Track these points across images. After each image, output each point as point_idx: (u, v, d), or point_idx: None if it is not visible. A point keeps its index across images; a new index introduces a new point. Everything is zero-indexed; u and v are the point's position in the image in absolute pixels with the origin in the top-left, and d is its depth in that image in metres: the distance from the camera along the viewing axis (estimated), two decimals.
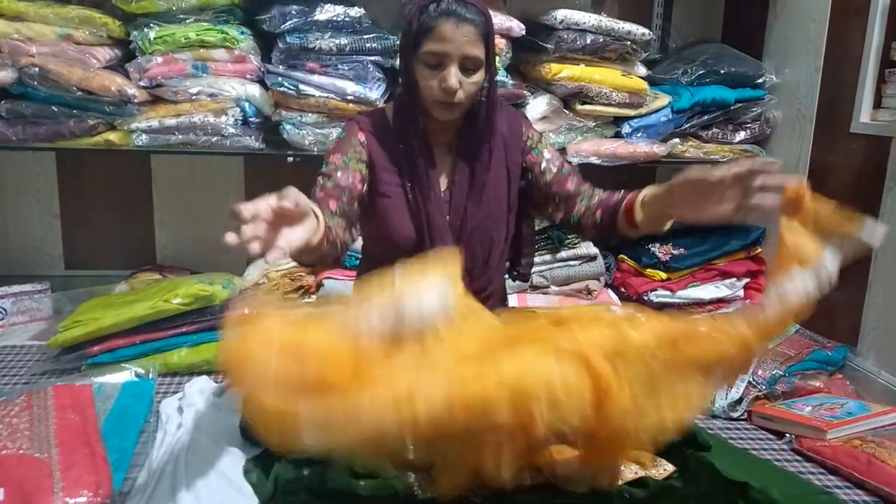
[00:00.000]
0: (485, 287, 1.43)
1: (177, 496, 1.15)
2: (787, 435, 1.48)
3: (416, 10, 1.27)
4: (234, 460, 1.27)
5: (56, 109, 1.83)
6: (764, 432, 1.52)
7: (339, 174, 1.31)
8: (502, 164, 1.41)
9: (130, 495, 1.16)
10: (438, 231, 1.36)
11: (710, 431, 1.48)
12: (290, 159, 1.94)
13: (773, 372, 1.66)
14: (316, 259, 1.18)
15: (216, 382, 1.61)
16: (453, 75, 1.25)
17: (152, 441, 1.34)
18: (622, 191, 1.32)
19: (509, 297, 1.72)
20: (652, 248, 2.23)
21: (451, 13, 1.24)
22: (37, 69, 1.78)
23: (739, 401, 1.60)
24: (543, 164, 1.43)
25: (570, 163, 1.53)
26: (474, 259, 1.39)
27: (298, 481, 1.15)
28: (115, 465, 1.20)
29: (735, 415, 1.58)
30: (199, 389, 1.54)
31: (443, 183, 1.40)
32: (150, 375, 1.57)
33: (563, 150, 2.06)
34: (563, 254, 2.14)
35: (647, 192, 1.23)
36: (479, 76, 1.29)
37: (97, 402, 1.39)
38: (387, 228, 1.38)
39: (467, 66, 1.27)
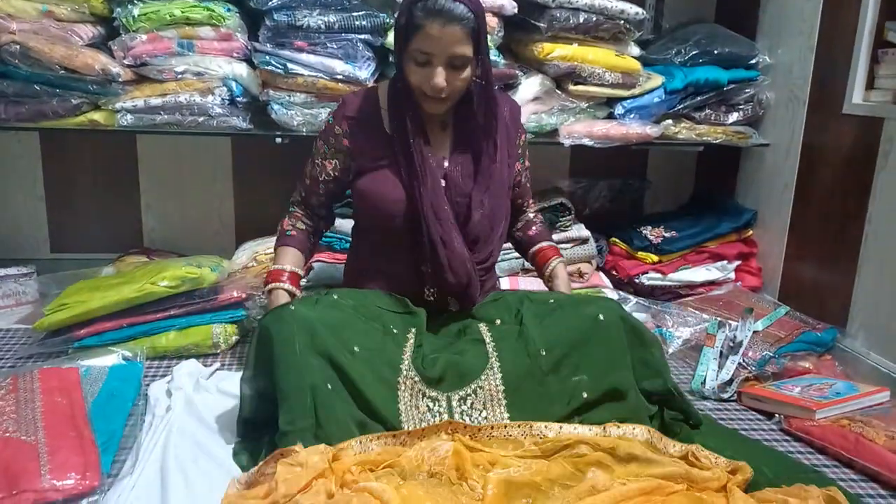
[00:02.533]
0: (486, 258, 1.50)
1: (166, 479, 1.14)
2: (777, 415, 1.49)
3: (407, 5, 1.30)
4: (223, 443, 1.27)
5: (39, 88, 1.79)
6: (753, 413, 1.53)
7: (317, 170, 1.51)
8: (504, 149, 1.48)
9: (119, 478, 1.15)
10: (433, 195, 1.39)
11: (700, 412, 1.48)
12: (279, 140, 1.91)
13: (764, 353, 1.67)
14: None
15: (204, 366, 1.59)
16: (439, 74, 1.30)
17: (140, 424, 1.33)
18: (535, 231, 1.66)
19: (501, 279, 1.72)
20: (643, 231, 2.23)
21: (438, 13, 1.26)
22: (18, 47, 1.74)
23: (729, 382, 1.60)
24: (519, 177, 1.58)
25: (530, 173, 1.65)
26: (482, 232, 1.45)
27: None
28: (103, 448, 1.19)
29: (725, 396, 1.58)
30: (188, 372, 1.52)
31: (440, 159, 1.45)
32: (138, 359, 1.55)
33: (554, 132, 2.04)
34: (555, 237, 2.13)
35: (552, 270, 1.60)
36: (467, 72, 1.34)
37: (84, 386, 1.38)
38: (376, 198, 1.43)
39: (455, 64, 1.32)
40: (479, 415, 1.25)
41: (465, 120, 1.44)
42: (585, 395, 1.29)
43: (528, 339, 1.31)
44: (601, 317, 1.33)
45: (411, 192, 1.39)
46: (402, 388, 1.24)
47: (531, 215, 1.69)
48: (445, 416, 1.24)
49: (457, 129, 1.46)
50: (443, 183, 1.42)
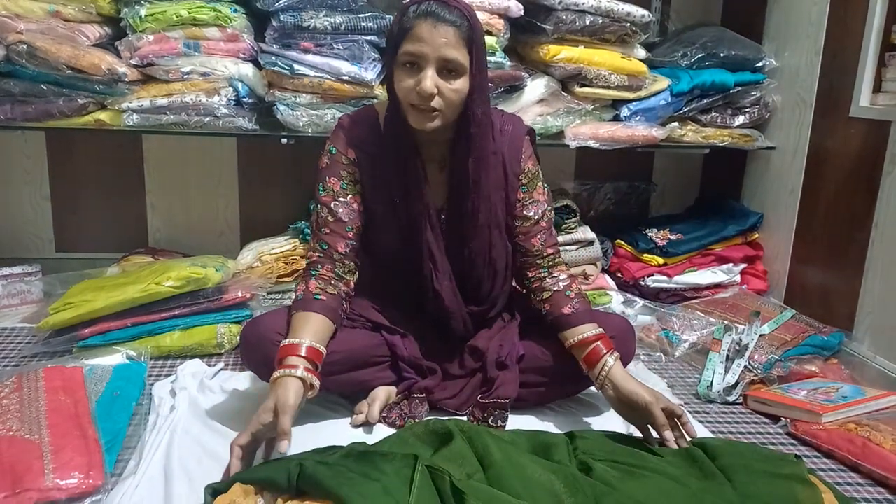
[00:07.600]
0: (491, 307, 1.45)
1: (169, 479, 1.14)
2: (783, 419, 1.48)
3: (399, 13, 1.24)
4: (226, 442, 1.26)
5: (45, 88, 1.79)
6: (759, 416, 1.52)
7: (340, 210, 1.32)
8: (500, 189, 1.37)
9: (122, 478, 1.15)
10: (429, 247, 1.35)
11: (706, 414, 1.47)
12: (284, 141, 1.91)
13: (770, 356, 1.66)
14: None
15: (208, 366, 1.59)
16: (429, 77, 1.19)
17: (144, 424, 1.32)
18: (572, 311, 1.34)
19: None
20: (649, 233, 2.22)
21: (429, 14, 1.19)
22: (25, 46, 1.74)
23: (735, 385, 1.60)
24: (524, 209, 1.39)
25: (550, 214, 1.43)
26: (481, 286, 1.41)
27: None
28: (107, 448, 1.19)
29: (731, 399, 1.57)
30: (192, 373, 1.52)
31: (436, 202, 1.37)
32: (142, 358, 1.55)
33: (560, 134, 2.04)
34: (561, 238, 2.13)
35: (610, 373, 1.29)
36: (460, 83, 1.22)
37: (88, 385, 1.37)
38: (373, 242, 1.39)
39: (448, 70, 1.21)
40: None
41: (463, 157, 1.31)
42: None
43: None
44: None
45: (407, 241, 1.36)
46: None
47: (562, 281, 1.38)
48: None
49: (453, 168, 1.33)
50: (443, 238, 1.37)
